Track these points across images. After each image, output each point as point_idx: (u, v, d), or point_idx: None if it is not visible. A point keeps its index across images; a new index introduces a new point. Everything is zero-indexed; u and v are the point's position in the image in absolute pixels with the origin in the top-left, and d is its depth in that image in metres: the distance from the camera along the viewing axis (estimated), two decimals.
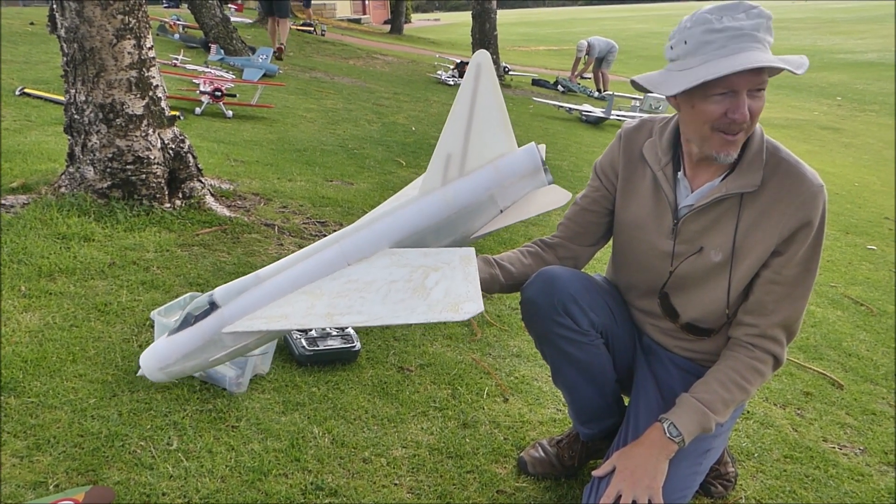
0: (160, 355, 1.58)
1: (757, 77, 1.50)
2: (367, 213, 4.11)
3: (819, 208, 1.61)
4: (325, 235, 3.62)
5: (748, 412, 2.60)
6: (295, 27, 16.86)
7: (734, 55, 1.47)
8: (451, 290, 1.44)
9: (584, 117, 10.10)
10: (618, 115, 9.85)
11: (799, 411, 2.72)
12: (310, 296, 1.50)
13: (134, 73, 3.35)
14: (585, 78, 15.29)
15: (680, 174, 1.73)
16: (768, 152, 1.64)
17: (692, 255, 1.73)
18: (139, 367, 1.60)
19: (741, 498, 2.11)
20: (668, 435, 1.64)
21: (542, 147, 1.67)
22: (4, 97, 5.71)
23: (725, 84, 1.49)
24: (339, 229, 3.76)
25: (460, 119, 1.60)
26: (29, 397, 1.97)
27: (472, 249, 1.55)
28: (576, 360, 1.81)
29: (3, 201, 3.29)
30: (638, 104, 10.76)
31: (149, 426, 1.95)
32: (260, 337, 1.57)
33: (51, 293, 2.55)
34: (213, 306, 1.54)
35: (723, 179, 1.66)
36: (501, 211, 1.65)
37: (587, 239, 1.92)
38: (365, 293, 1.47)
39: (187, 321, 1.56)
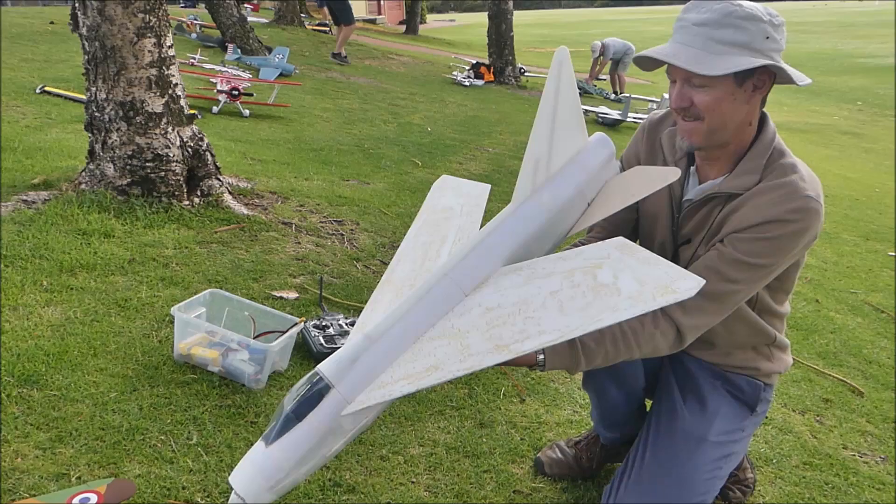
0: (266, 473, 1.27)
1: (684, 71, 1.49)
2: (383, 212, 4.13)
3: (794, 214, 1.51)
4: (341, 234, 3.63)
5: (768, 418, 2.58)
6: (310, 27, 16.92)
7: (670, 45, 1.53)
8: (642, 276, 1.39)
9: (600, 119, 10.06)
10: (634, 118, 9.81)
11: (818, 418, 2.69)
12: (450, 339, 1.36)
13: (154, 71, 3.37)
14: (601, 79, 15.25)
15: (693, 168, 1.72)
16: (771, 157, 1.60)
17: (682, 245, 1.72)
18: (239, 499, 1.26)
19: None
20: (535, 353, 1.53)
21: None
22: (26, 95, 5.77)
23: (670, 72, 1.55)
24: (356, 228, 3.79)
25: (546, 121, 1.59)
26: (51, 390, 1.99)
27: (623, 238, 1.47)
28: (611, 368, 1.77)
29: (24, 197, 3.32)
30: (655, 106, 10.72)
31: (169, 420, 1.96)
32: (383, 408, 1.39)
33: (72, 288, 2.57)
34: (323, 389, 1.30)
35: (723, 179, 1.65)
36: (588, 204, 1.66)
37: (615, 234, 1.90)
38: (528, 313, 1.37)
39: (291, 419, 1.28)
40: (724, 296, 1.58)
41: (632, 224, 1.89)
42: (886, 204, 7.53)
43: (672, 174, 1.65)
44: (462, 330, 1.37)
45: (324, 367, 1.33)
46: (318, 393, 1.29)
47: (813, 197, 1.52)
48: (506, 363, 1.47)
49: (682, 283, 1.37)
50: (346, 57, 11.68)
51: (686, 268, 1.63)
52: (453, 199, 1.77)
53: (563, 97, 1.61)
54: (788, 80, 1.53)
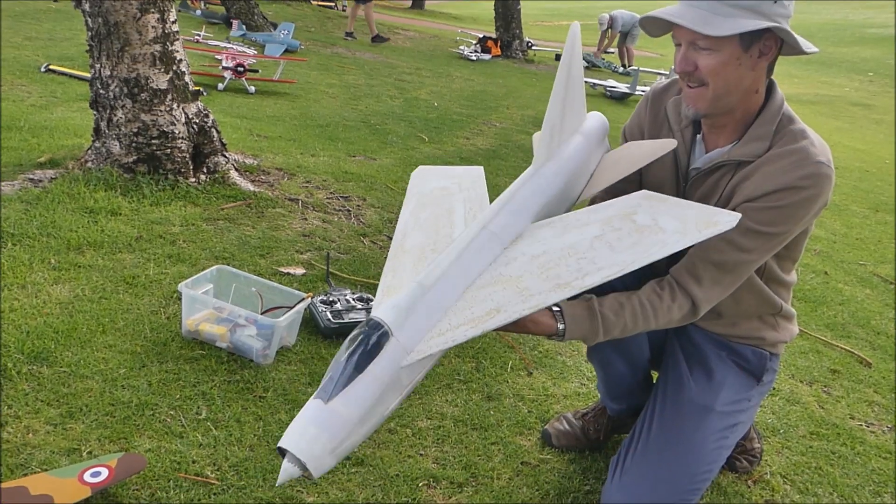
0: (330, 432, 1.16)
1: (689, 32, 1.48)
2: (389, 187, 4.12)
3: (806, 180, 1.50)
4: (348, 210, 3.63)
5: (774, 389, 2.58)
6: (315, 2, 16.78)
7: (677, 7, 1.51)
8: (680, 215, 1.45)
9: (608, 93, 9.98)
10: (642, 91, 9.72)
11: (826, 389, 2.69)
12: (503, 285, 1.37)
13: (158, 47, 3.36)
14: (609, 52, 15.10)
15: (699, 136, 1.71)
16: (780, 124, 1.58)
17: None
18: (294, 464, 1.14)
19: (766, 473, 2.10)
20: (557, 322, 1.53)
21: None
22: (30, 74, 5.76)
23: (675, 35, 1.53)
24: (362, 204, 3.79)
25: (560, 90, 1.62)
26: (61, 367, 2.00)
27: (646, 191, 1.55)
28: (616, 340, 1.78)
29: (30, 176, 3.33)
30: (664, 79, 10.61)
31: (178, 396, 1.97)
32: (435, 361, 1.35)
33: (80, 266, 2.59)
34: (383, 337, 1.24)
35: (731, 147, 1.63)
36: (591, 175, 1.72)
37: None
38: (579, 255, 1.39)
39: (350, 371, 1.20)
40: (737, 266, 1.58)
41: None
42: None
43: (669, 144, 1.66)
44: (514, 276, 1.38)
45: (381, 314, 1.26)
46: (377, 342, 1.22)
47: (824, 163, 1.51)
48: (528, 331, 1.50)
49: (720, 217, 1.42)
50: (385, 37, 11.67)
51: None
52: (443, 181, 1.77)
53: (575, 71, 1.65)
54: (795, 46, 1.51)
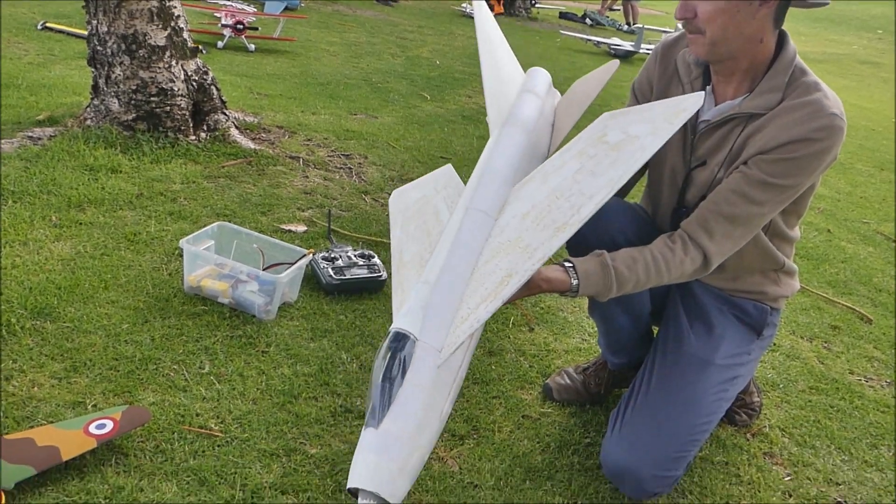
0: (391, 454, 1.13)
1: None
2: (391, 145, 4.10)
3: (820, 132, 1.49)
4: (349, 168, 3.61)
5: (775, 345, 2.59)
6: None
7: None
8: (648, 117, 1.48)
9: (612, 51, 9.85)
10: (647, 49, 9.60)
11: (826, 345, 2.70)
12: (506, 252, 1.37)
13: (155, 2, 3.31)
14: (615, 10, 14.87)
15: (709, 88, 1.69)
16: (793, 76, 1.56)
17: (696, 168, 1.69)
18: (370, 499, 1.12)
19: (765, 426, 2.12)
20: (570, 278, 1.52)
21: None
22: (27, 32, 5.69)
23: None
24: (364, 161, 3.77)
25: (488, 62, 1.69)
26: (64, 322, 2.01)
27: (610, 111, 1.57)
28: (626, 293, 1.78)
29: (29, 134, 3.31)
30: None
31: (181, 351, 1.99)
32: (475, 344, 1.35)
33: (81, 223, 2.58)
34: (409, 345, 1.23)
35: (742, 99, 1.61)
36: (553, 126, 1.75)
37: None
38: (566, 195, 1.40)
39: (389, 388, 1.18)
40: (749, 219, 1.58)
41: None
42: None
43: (611, 67, 1.70)
44: (512, 240, 1.39)
45: (399, 324, 1.26)
46: (406, 351, 1.22)
47: (838, 115, 1.50)
48: (543, 291, 1.50)
49: (686, 103, 1.46)
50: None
51: (706, 191, 1.64)
52: (420, 192, 1.75)
53: (495, 39, 1.74)
54: None
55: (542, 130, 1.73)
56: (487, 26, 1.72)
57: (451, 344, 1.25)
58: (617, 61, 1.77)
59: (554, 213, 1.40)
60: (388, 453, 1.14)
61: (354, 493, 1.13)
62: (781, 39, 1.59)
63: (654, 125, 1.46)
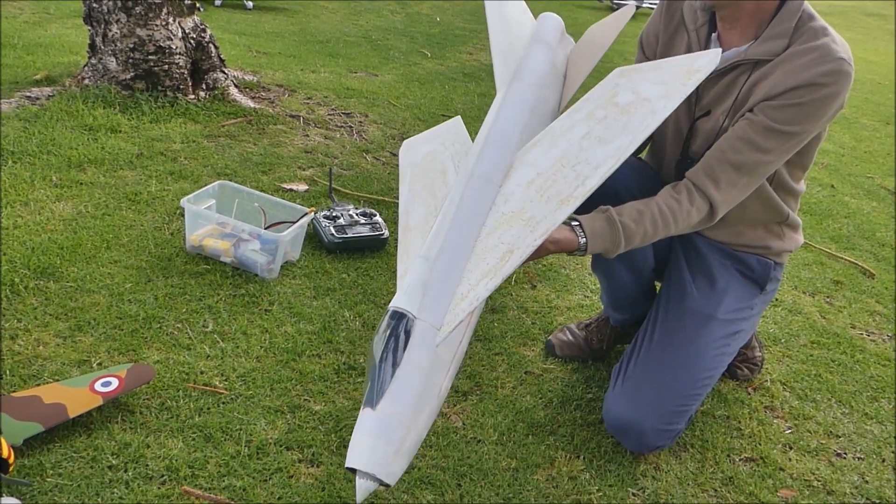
0: (387, 436, 1.14)
1: None
2: (392, 103, 4.06)
3: (827, 77, 1.46)
4: (350, 126, 3.58)
5: (777, 300, 2.60)
6: None
7: None
8: (660, 78, 1.43)
9: (614, 6, 9.70)
10: (650, 4, 9.45)
11: (828, 299, 2.71)
12: (509, 224, 1.33)
13: None
14: None
15: (714, 35, 1.66)
16: (800, 21, 1.53)
17: (701, 118, 1.67)
18: (366, 478, 1.12)
19: (766, 381, 2.13)
20: (578, 237, 1.51)
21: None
22: None
23: None
24: (364, 120, 3.73)
25: (496, 12, 1.65)
26: (67, 282, 2.02)
27: (620, 67, 1.53)
28: (635, 247, 1.77)
29: (27, 93, 3.28)
30: None
31: (184, 310, 1.99)
32: (476, 321, 1.33)
33: (81, 183, 2.57)
34: (408, 324, 1.21)
35: (748, 46, 1.58)
36: (565, 77, 1.70)
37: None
38: (572, 163, 1.36)
39: (388, 368, 1.17)
40: (755, 166, 1.56)
41: None
42: None
43: (627, 11, 1.65)
44: (515, 211, 1.35)
45: (397, 302, 1.24)
46: (404, 330, 1.20)
47: (846, 59, 1.47)
48: (551, 252, 1.49)
49: (700, 62, 1.41)
50: None
51: (711, 141, 1.62)
52: (429, 146, 1.71)
53: None
54: None
55: (552, 84, 1.68)
56: None
57: (450, 322, 1.24)
58: (633, 5, 1.72)
59: (559, 184, 1.37)
60: (385, 436, 1.14)
61: (353, 471, 1.15)
62: None
63: (666, 86, 1.41)
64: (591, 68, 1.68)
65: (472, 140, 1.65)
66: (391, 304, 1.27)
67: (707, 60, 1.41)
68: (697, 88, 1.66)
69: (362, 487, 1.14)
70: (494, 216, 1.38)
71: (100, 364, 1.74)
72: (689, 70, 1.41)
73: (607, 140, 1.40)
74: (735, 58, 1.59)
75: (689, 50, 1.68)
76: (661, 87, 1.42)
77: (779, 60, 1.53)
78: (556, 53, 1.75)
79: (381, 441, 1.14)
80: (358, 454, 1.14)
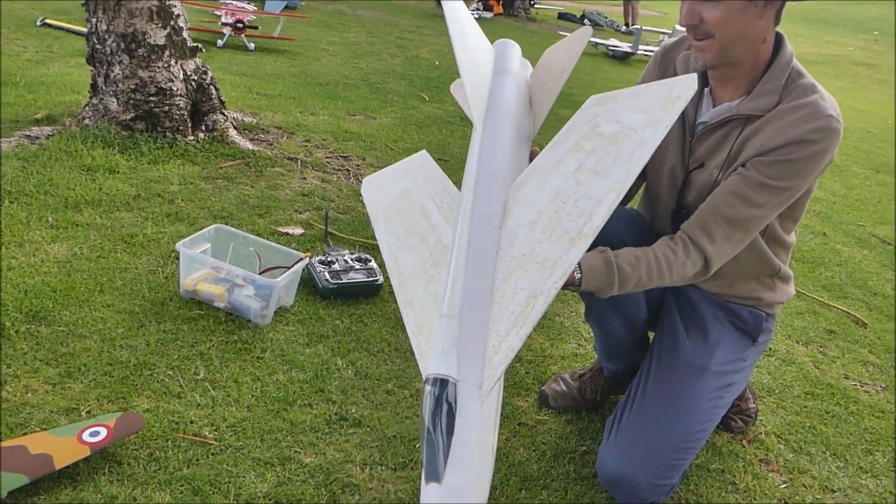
0: None
1: None
2: (389, 146, 4.09)
3: (817, 134, 1.50)
4: (347, 169, 3.61)
5: (771, 349, 2.59)
6: None
7: None
8: (641, 105, 1.45)
9: (610, 52, 9.86)
10: (645, 51, 9.60)
11: (821, 349, 2.71)
12: (522, 269, 1.32)
13: (155, 1, 3.30)
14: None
15: (707, 90, 1.69)
16: (790, 78, 1.57)
17: (695, 170, 1.70)
18: None
19: (761, 433, 2.12)
20: (574, 272, 1.50)
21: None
22: (26, 28, 5.68)
23: None
24: (362, 163, 3.76)
25: (461, 46, 1.65)
26: (59, 326, 2.01)
27: (594, 95, 1.56)
28: (613, 299, 1.75)
29: (27, 132, 3.30)
30: (666, 38, 10.47)
31: (176, 356, 1.98)
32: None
33: (78, 224, 2.58)
34: (452, 389, 1.18)
35: (740, 101, 1.62)
36: (531, 103, 1.72)
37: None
38: (572, 199, 1.36)
39: (444, 441, 1.14)
40: (748, 221, 1.58)
41: None
42: None
43: (585, 33, 1.72)
44: (526, 254, 1.35)
45: (437, 369, 1.22)
46: (450, 396, 1.19)
47: (834, 117, 1.51)
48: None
49: (679, 87, 1.43)
50: None
51: (705, 194, 1.65)
52: (400, 184, 1.67)
53: (465, 26, 1.74)
54: None
55: (523, 114, 1.71)
56: (458, 14, 1.69)
57: (491, 377, 1.22)
58: (589, 28, 1.77)
59: (564, 222, 1.37)
60: None
61: None
62: (778, 41, 1.60)
63: (649, 114, 1.43)
64: (557, 94, 1.71)
65: (443, 172, 1.65)
66: (429, 372, 1.24)
67: (686, 86, 1.43)
68: (691, 141, 1.69)
69: None
70: (504, 261, 1.36)
71: (89, 412, 1.72)
72: (670, 97, 1.43)
73: (603, 173, 1.40)
74: (727, 113, 1.62)
75: None
76: (643, 116, 1.43)
77: (770, 116, 1.56)
78: (520, 82, 1.78)
79: None
80: None
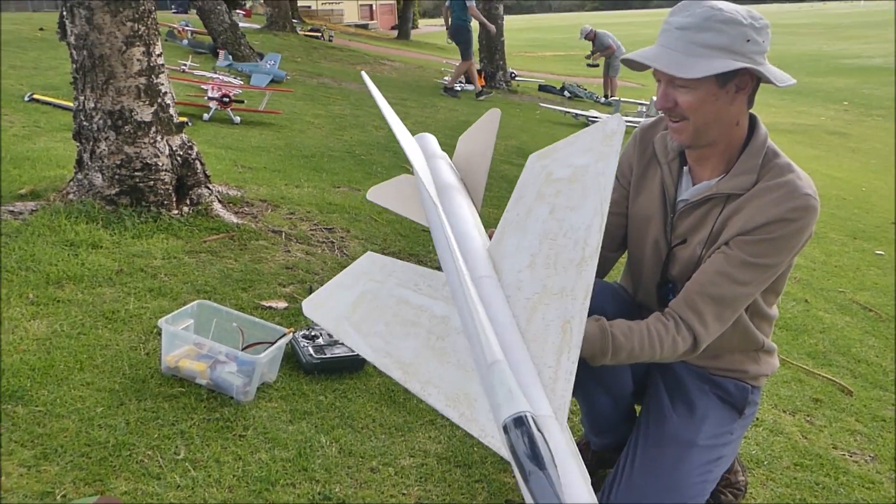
0: None
1: (665, 72, 1.54)
2: (374, 218, 4.11)
3: (796, 212, 1.55)
4: (332, 242, 3.62)
5: (758, 419, 2.58)
6: (303, 33, 16.92)
7: (654, 48, 1.57)
8: (581, 148, 1.54)
9: (590, 123, 10.08)
10: (628, 122, 9.84)
11: (808, 418, 2.70)
12: (538, 303, 1.34)
13: (143, 79, 3.36)
14: (593, 65, 14.92)
15: (686, 169, 1.74)
16: (766, 158, 1.63)
17: (678, 246, 1.73)
18: None
19: None
20: None
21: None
22: (14, 103, 5.74)
23: (655, 73, 1.58)
24: (346, 235, 3.77)
25: (404, 138, 1.88)
26: (36, 406, 1.97)
27: (532, 155, 1.65)
28: (598, 374, 1.78)
29: (11, 208, 3.30)
30: (644, 109, 10.75)
31: (156, 435, 1.94)
32: None
33: (58, 300, 2.56)
34: (534, 425, 1.16)
35: (718, 180, 1.67)
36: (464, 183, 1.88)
37: (611, 244, 1.89)
38: (559, 235, 1.42)
39: (548, 475, 1.11)
40: (735, 299, 1.61)
41: (622, 230, 1.89)
42: (872, 202, 7.58)
43: (494, 115, 1.91)
44: (538, 292, 1.36)
45: (509, 410, 1.19)
46: (537, 431, 1.16)
47: (811, 195, 1.57)
48: None
49: (610, 126, 1.52)
50: (458, 91, 11.64)
51: (690, 269, 1.69)
52: (355, 290, 1.59)
53: (393, 120, 1.96)
54: (770, 81, 1.56)
55: (463, 189, 1.81)
56: (392, 121, 1.90)
57: (561, 406, 1.21)
58: (497, 110, 1.92)
59: (563, 254, 1.38)
60: None
61: None
62: (752, 123, 1.66)
63: (594, 152, 1.49)
64: (487, 170, 1.84)
65: (398, 261, 1.64)
66: (504, 418, 1.19)
67: (615, 123, 1.51)
68: (672, 218, 1.73)
69: None
70: (520, 304, 1.36)
71: (64, 496, 1.67)
72: (605, 135, 1.51)
73: (578, 207, 1.44)
74: (707, 192, 1.66)
75: (662, 183, 1.76)
76: (590, 155, 1.50)
77: (749, 196, 1.61)
78: (450, 163, 1.94)
79: None
80: None
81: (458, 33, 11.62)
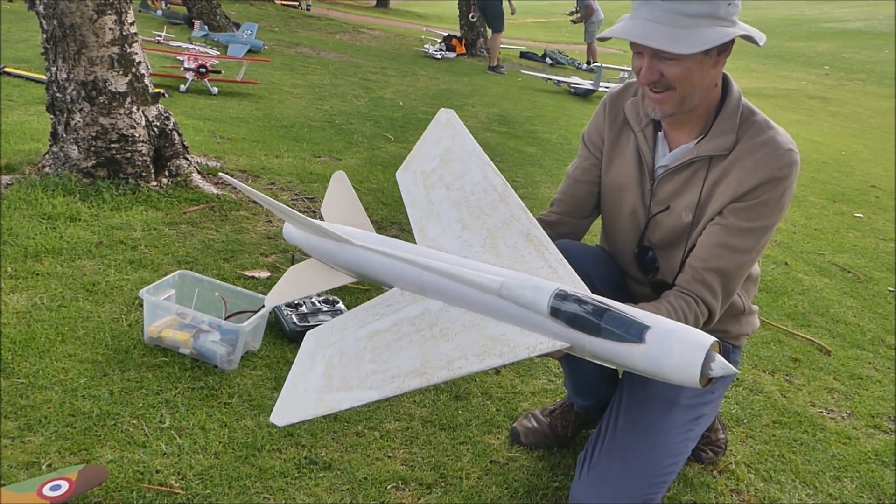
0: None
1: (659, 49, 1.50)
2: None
3: (783, 170, 1.57)
4: (313, 211, 3.61)
5: (738, 380, 2.62)
6: (279, 2, 16.63)
7: (633, 20, 1.53)
8: (432, 152, 1.70)
9: (572, 90, 10.04)
10: (606, 87, 9.80)
11: (787, 377, 2.74)
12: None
13: (116, 49, 3.30)
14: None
15: (660, 134, 1.73)
16: (742, 116, 1.63)
17: (660, 213, 1.73)
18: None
19: (731, 463, 2.13)
20: None
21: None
22: None
23: (635, 45, 1.54)
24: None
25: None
26: (19, 378, 1.96)
27: (399, 173, 1.76)
28: None
29: None
30: (626, 75, 10.72)
31: (140, 405, 1.94)
32: None
33: (38, 274, 2.53)
34: (577, 293, 1.25)
35: (697, 142, 1.66)
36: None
37: (583, 211, 1.89)
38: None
39: (619, 307, 1.21)
40: (739, 268, 1.64)
41: (596, 198, 1.88)
42: (852, 166, 7.63)
43: (340, 177, 1.94)
44: (485, 236, 1.45)
45: (546, 296, 1.25)
46: (581, 293, 1.25)
47: (793, 149, 1.59)
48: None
49: (443, 118, 1.70)
50: (501, 68, 11.42)
51: (675, 235, 1.70)
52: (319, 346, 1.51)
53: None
54: (757, 44, 1.56)
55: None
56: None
57: (576, 284, 1.31)
58: (342, 173, 1.90)
59: (482, 203, 1.48)
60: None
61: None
62: (725, 82, 1.66)
63: (445, 138, 1.64)
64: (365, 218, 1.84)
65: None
66: (547, 304, 1.25)
67: (445, 115, 1.70)
68: (652, 184, 1.72)
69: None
70: (480, 253, 1.44)
71: (50, 465, 1.67)
72: (444, 124, 1.69)
73: (465, 172, 1.57)
74: (687, 155, 1.66)
75: (637, 149, 1.75)
76: (443, 141, 1.65)
77: (734, 158, 1.61)
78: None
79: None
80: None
81: (489, 5, 11.51)
